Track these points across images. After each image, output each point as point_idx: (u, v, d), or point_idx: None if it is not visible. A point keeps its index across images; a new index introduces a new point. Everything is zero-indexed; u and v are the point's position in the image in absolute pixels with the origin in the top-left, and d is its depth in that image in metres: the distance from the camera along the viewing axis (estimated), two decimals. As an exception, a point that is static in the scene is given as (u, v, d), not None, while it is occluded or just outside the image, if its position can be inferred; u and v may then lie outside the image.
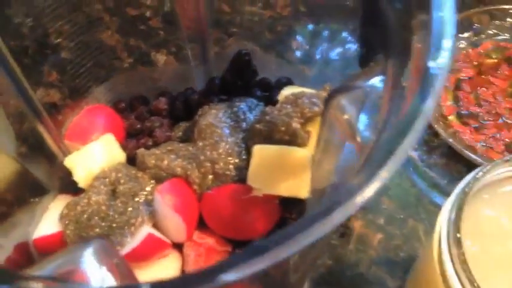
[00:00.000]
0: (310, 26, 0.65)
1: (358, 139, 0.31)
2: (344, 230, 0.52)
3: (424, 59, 0.24)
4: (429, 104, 0.22)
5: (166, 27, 0.66)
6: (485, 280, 0.31)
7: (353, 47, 0.58)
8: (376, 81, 0.30)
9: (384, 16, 0.30)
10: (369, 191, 0.21)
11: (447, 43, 0.24)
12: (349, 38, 0.60)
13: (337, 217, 0.20)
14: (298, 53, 0.61)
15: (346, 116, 0.30)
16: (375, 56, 0.32)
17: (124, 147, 0.47)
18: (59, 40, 0.64)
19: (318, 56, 0.60)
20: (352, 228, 0.52)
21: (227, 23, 0.64)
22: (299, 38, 0.63)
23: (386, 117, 0.27)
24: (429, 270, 0.37)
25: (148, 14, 0.68)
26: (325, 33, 0.62)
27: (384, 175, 0.20)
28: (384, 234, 0.52)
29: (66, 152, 0.47)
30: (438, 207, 0.53)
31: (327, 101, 0.31)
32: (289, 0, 0.67)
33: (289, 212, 0.42)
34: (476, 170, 0.36)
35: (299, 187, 0.38)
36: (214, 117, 0.44)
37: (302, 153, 0.38)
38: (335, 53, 0.61)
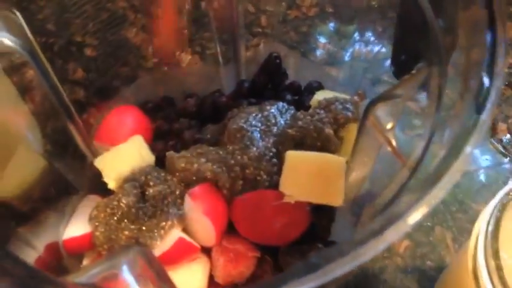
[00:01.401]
0: (336, 27, 0.64)
1: (398, 149, 0.31)
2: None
3: (476, 69, 0.24)
4: (484, 121, 0.21)
5: (192, 26, 0.66)
6: None
7: (381, 48, 0.58)
8: (419, 90, 0.30)
9: (425, 20, 0.30)
10: (422, 211, 0.20)
11: (501, 53, 0.24)
12: (377, 39, 0.59)
13: (390, 236, 0.20)
14: (325, 55, 0.61)
15: (387, 126, 0.29)
16: (412, 60, 0.32)
17: (152, 148, 0.47)
18: (83, 37, 0.64)
19: (344, 57, 0.60)
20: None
21: (251, 23, 0.64)
22: (325, 38, 0.63)
23: (432, 130, 0.26)
24: (462, 281, 0.36)
25: (172, 13, 0.68)
26: (352, 34, 0.61)
27: (437, 195, 0.20)
28: (411, 241, 0.51)
29: (95, 153, 0.47)
30: (466, 215, 0.52)
31: (367, 109, 0.31)
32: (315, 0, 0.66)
33: (319, 218, 0.42)
34: None
35: (333, 195, 0.37)
36: (245, 121, 0.44)
37: (337, 161, 0.38)
38: (363, 54, 0.60)
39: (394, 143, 0.30)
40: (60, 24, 0.66)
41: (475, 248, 0.34)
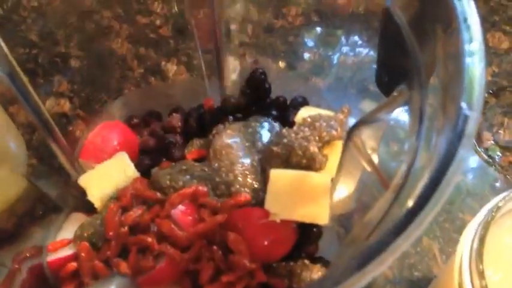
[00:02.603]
0: (322, 36, 0.64)
1: (381, 171, 0.30)
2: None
3: (455, 98, 0.24)
4: (463, 151, 0.21)
5: (177, 36, 0.65)
6: None
7: (367, 53, 0.58)
8: (400, 112, 0.30)
9: (405, 43, 0.30)
10: (400, 246, 0.20)
11: (480, 82, 0.23)
12: (362, 48, 0.60)
13: (373, 269, 0.20)
14: (310, 64, 0.61)
15: (369, 149, 0.29)
16: (394, 81, 0.32)
17: (138, 164, 0.47)
18: (68, 49, 0.64)
19: (330, 67, 0.60)
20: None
21: (237, 33, 0.64)
22: (311, 48, 0.63)
23: (414, 152, 0.26)
24: None
25: (158, 22, 0.67)
26: (338, 42, 0.61)
27: (414, 232, 0.20)
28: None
29: (80, 170, 0.46)
30: (453, 225, 0.52)
31: (350, 132, 0.30)
32: (301, 9, 0.66)
33: (306, 235, 0.42)
34: (499, 198, 0.36)
35: (318, 213, 0.37)
36: (230, 138, 0.43)
37: (321, 179, 0.38)
38: (349, 62, 0.60)
39: (376, 164, 0.30)
40: (44, 35, 0.65)
41: (460, 265, 0.34)
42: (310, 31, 0.66)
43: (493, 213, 0.34)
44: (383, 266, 0.19)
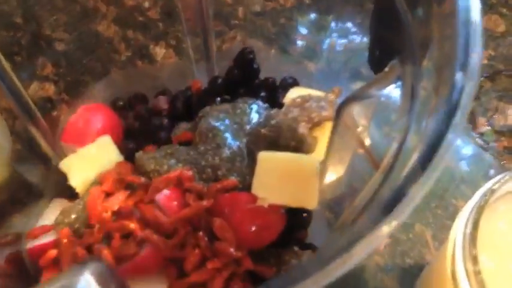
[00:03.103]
0: (314, 19, 0.63)
1: (372, 150, 0.29)
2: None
3: (450, 69, 0.22)
4: (458, 122, 0.20)
5: (165, 19, 0.64)
6: None
7: (358, 40, 0.56)
8: (391, 89, 0.28)
9: (399, 16, 0.28)
10: (385, 229, 0.19)
11: (476, 52, 0.22)
12: (355, 31, 0.58)
13: (358, 252, 0.18)
14: (301, 47, 0.59)
15: (360, 126, 0.28)
16: (386, 56, 0.30)
17: (122, 148, 0.45)
18: (53, 31, 0.62)
19: (322, 51, 0.58)
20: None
21: (228, 15, 0.62)
22: (303, 31, 0.61)
23: (405, 132, 0.25)
24: (441, 282, 0.36)
25: (146, 4, 0.66)
26: (330, 26, 0.60)
27: (406, 208, 0.19)
28: (390, 238, 0.50)
29: (62, 154, 0.45)
30: (446, 211, 0.51)
31: (339, 109, 0.29)
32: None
33: (295, 221, 0.40)
34: (492, 181, 0.34)
35: (307, 198, 0.36)
36: (216, 120, 0.42)
37: (310, 162, 0.36)
38: (340, 47, 0.59)
39: (367, 144, 0.28)
40: (28, 17, 0.63)
41: (453, 251, 0.33)
42: (302, 14, 0.64)
43: (487, 197, 0.33)
44: (369, 248, 0.18)
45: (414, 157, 0.21)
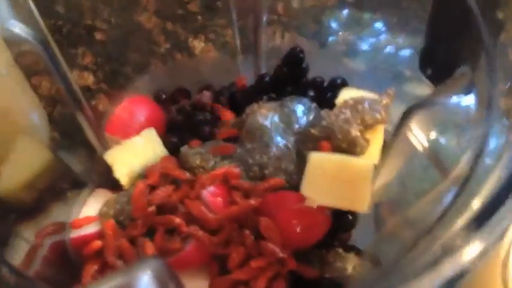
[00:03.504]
0: (356, 16, 0.62)
1: (440, 160, 0.28)
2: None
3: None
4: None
5: (205, 12, 0.63)
6: None
7: (402, 39, 0.55)
8: (462, 97, 0.28)
9: (471, 19, 0.27)
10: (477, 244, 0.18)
11: None
12: (398, 30, 0.57)
13: (446, 270, 0.17)
14: (343, 45, 0.58)
15: (427, 135, 0.27)
16: (448, 63, 0.30)
17: (165, 142, 0.45)
18: (93, 21, 0.62)
19: (365, 49, 0.57)
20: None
21: (269, 11, 0.61)
22: (344, 28, 0.60)
23: (481, 140, 0.24)
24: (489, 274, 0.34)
25: (188, -3, 0.65)
26: (372, 24, 0.59)
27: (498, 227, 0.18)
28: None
29: (106, 145, 0.45)
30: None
31: (405, 115, 0.28)
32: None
33: (341, 223, 0.40)
34: None
35: (358, 201, 0.35)
36: (265, 118, 0.41)
37: (364, 165, 0.35)
38: (382, 45, 0.58)
39: (433, 150, 0.27)
40: (70, 6, 0.63)
41: (507, 255, 0.32)
42: (342, 12, 0.63)
43: None
44: (459, 265, 0.17)
45: (498, 172, 0.20)
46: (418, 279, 0.17)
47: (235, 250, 0.38)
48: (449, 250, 0.17)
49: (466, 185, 0.22)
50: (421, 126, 0.27)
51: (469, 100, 0.26)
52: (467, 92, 0.26)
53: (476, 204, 0.19)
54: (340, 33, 0.60)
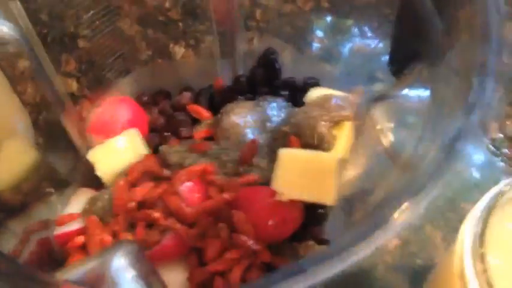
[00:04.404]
0: (333, 22, 0.64)
1: (392, 149, 0.31)
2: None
3: (471, 69, 0.24)
4: (478, 120, 0.21)
5: (185, 19, 0.65)
6: None
7: (377, 44, 0.57)
8: (412, 91, 0.30)
9: (426, 20, 0.30)
10: (409, 213, 0.20)
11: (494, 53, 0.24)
12: (372, 36, 0.59)
13: (378, 238, 0.20)
14: (320, 50, 0.61)
15: (383, 125, 0.29)
16: (408, 60, 0.32)
17: (148, 141, 0.47)
18: (76, 29, 0.63)
19: (340, 54, 0.59)
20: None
21: (247, 17, 0.63)
22: (321, 34, 0.63)
23: (424, 129, 0.26)
24: (449, 281, 0.36)
25: (167, 4, 0.67)
26: (349, 29, 0.61)
27: (426, 197, 0.20)
28: (400, 240, 0.51)
29: (89, 145, 0.46)
30: (457, 214, 0.52)
31: (362, 109, 0.30)
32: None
33: (312, 216, 0.42)
34: (503, 183, 0.36)
35: (325, 193, 0.37)
36: (238, 117, 0.44)
37: (330, 159, 0.38)
38: (359, 50, 0.60)
39: (387, 142, 0.30)
40: (54, 14, 0.65)
41: (462, 250, 0.34)
42: (319, 18, 0.65)
43: (496, 199, 0.34)
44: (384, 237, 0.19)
45: (433, 152, 0.22)
46: (350, 248, 0.19)
47: (211, 243, 0.40)
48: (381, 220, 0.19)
49: (407, 168, 0.24)
50: (376, 118, 0.29)
51: (417, 94, 0.28)
52: (422, 86, 0.29)
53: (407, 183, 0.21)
54: (317, 38, 0.62)
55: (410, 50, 0.32)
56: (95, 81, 0.59)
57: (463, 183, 0.55)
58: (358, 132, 0.33)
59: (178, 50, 0.62)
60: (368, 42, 0.59)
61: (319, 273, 0.19)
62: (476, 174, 0.56)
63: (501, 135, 0.59)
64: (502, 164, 0.57)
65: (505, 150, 0.58)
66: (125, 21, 0.64)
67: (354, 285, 0.49)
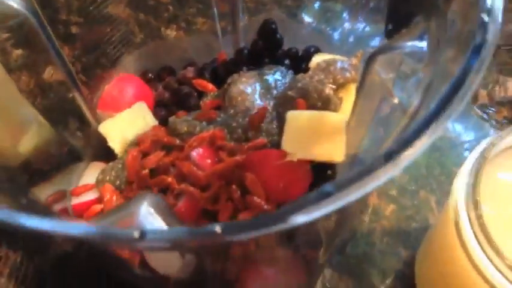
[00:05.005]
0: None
1: (396, 100, 0.32)
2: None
3: (473, 14, 0.25)
4: (483, 60, 0.23)
5: (175, 3, 0.66)
6: (504, 242, 0.32)
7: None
8: (417, 42, 0.31)
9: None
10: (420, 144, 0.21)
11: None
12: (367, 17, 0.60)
13: (396, 163, 0.21)
14: (321, 18, 0.61)
15: (387, 76, 0.31)
16: (406, 16, 0.33)
17: (154, 116, 0.48)
18: (68, 16, 0.64)
19: (335, 37, 0.60)
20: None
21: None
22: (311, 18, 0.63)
23: (430, 79, 0.28)
24: (445, 236, 0.38)
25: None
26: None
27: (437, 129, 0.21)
28: (397, 205, 0.53)
29: (99, 121, 0.48)
30: (448, 178, 0.54)
31: (367, 62, 0.32)
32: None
33: (321, 177, 0.43)
34: (493, 136, 0.37)
35: (334, 151, 0.39)
36: (245, 85, 0.45)
37: (336, 118, 0.39)
38: (360, 18, 0.60)
39: (394, 93, 0.31)
40: (44, 4, 0.65)
41: (456, 201, 0.35)
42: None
43: (489, 149, 0.36)
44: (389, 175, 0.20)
45: (436, 100, 0.23)
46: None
47: (223, 205, 0.41)
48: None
49: (414, 117, 0.25)
50: (381, 71, 0.31)
51: (422, 45, 0.29)
52: (420, 38, 0.30)
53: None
54: (316, 7, 0.62)
55: (407, 8, 0.33)
56: (90, 67, 0.59)
57: (454, 148, 0.57)
58: (364, 87, 0.34)
59: (170, 33, 0.62)
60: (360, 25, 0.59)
61: (349, 195, 0.20)
62: (465, 138, 0.57)
63: (489, 100, 0.60)
64: (490, 128, 0.58)
65: (493, 114, 0.60)
66: (117, 6, 0.64)
67: (352, 248, 0.50)
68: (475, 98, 0.61)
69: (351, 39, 0.54)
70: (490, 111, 0.60)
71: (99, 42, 0.61)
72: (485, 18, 0.23)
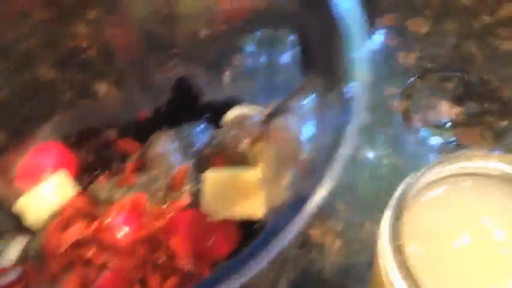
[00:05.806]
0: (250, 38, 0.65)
1: (303, 156, 0.32)
2: (303, 240, 0.52)
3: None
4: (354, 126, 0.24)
5: (104, 57, 0.65)
6: (432, 281, 0.32)
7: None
8: (309, 99, 0.32)
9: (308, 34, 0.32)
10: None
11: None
12: (290, 44, 0.61)
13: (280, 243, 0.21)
14: (241, 68, 0.62)
15: (286, 135, 0.31)
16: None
17: (78, 182, 0.47)
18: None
19: (260, 69, 0.61)
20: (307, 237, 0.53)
21: (165, 46, 0.64)
22: (240, 52, 0.64)
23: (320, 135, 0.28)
24: (378, 275, 0.37)
25: (84, 44, 0.67)
26: (265, 42, 0.62)
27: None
28: (342, 241, 0.53)
29: (18, 196, 0.46)
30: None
31: (265, 124, 0.32)
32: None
33: (250, 232, 0.43)
34: (411, 175, 0.36)
35: (253, 208, 0.39)
36: (163, 146, 0.45)
37: (251, 174, 0.39)
38: (279, 60, 0.61)
39: (298, 151, 0.32)
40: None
41: (382, 243, 0.35)
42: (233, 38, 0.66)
43: (407, 190, 0.35)
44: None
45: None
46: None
47: (150, 272, 0.40)
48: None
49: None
50: (280, 130, 0.31)
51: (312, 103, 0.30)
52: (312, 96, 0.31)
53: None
54: (235, 57, 0.63)
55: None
56: (18, 132, 0.58)
57: (396, 175, 0.57)
58: (273, 144, 0.34)
59: (100, 88, 0.61)
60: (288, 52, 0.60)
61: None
62: (405, 165, 0.58)
63: (423, 124, 0.61)
64: (427, 153, 0.59)
65: (428, 138, 0.60)
66: (41, 67, 0.63)
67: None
68: (409, 123, 0.62)
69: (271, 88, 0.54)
70: (425, 134, 0.61)
71: (27, 105, 0.59)
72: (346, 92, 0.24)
